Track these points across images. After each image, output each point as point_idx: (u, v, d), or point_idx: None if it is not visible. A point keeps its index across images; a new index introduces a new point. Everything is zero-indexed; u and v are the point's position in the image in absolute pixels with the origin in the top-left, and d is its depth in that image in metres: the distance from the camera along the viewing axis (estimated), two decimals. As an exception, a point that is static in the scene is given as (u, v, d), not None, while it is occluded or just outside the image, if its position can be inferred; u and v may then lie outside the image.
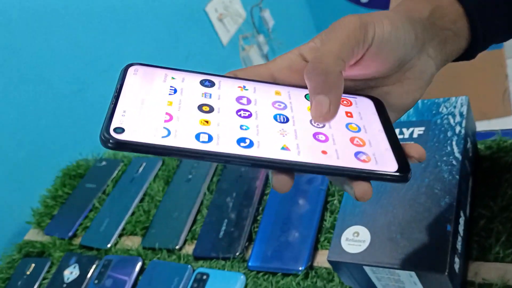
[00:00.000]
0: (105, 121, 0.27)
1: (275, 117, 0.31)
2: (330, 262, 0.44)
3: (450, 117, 0.49)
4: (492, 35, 0.38)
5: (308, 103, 0.33)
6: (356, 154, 0.30)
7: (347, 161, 0.29)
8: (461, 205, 0.44)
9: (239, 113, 0.31)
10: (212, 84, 0.33)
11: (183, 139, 0.27)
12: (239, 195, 0.69)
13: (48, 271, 0.76)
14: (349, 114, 0.33)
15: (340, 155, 0.29)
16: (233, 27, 1.58)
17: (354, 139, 0.31)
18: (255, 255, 0.59)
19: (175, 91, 0.31)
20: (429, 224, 0.42)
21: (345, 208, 0.47)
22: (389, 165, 0.29)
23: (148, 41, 1.27)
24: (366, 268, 0.43)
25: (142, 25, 1.26)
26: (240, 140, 0.28)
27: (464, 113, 0.48)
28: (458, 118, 0.48)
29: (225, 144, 0.28)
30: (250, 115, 0.31)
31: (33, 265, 0.78)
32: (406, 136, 0.49)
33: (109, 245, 0.74)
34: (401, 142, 0.31)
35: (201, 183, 0.74)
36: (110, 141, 0.26)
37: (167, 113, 0.29)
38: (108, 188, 0.84)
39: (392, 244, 0.42)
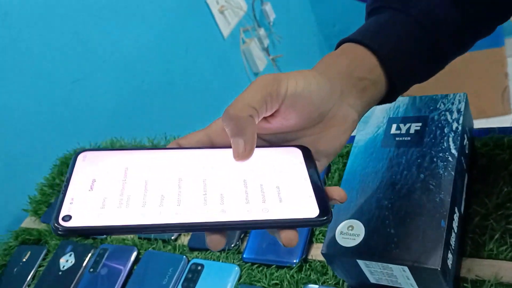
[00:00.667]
0: (56, 211, 0.28)
1: (202, 182, 0.33)
2: (324, 255, 0.45)
3: (447, 113, 0.49)
4: (409, 78, 0.41)
5: (235, 163, 0.35)
6: (278, 206, 0.32)
7: (270, 214, 0.31)
8: (456, 202, 0.44)
9: (177, 185, 0.32)
10: (153, 161, 0.34)
11: (126, 219, 0.29)
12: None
13: (44, 259, 0.77)
14: (274, 167, 0.35)
15: (263, 209, 0.32)
16: (234, 20, 1.58)
17: (277, 191, 0.33)
18: (250, 247, 0.60)
19: (119, 172, 0.32)
20: (423, 220, 0.42)
21: (341, 202, 0.47)
22: (311, 212, 0.32)
23: (147, 32, 1.26)
24: (360, 262, 0.43)
25: (142, 16, 1.25)
26: (174, 211, 0.30)
27: (462, 109, 0.48)
28: (455, 115, 0.48)
29: (162, 216, 0.30)
30: (188, 186, 0.32)
31: (29, 252, 0.78)
32: (403, 131, 0.49)
33: (105, 234, 0.74)
34: (325, 186, 0.34)
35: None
36: (59, 229, 0.27)
37: (111, 195, 0.30)
38: (105, 178, 0.84)
39: (385, 239, 0.42)
